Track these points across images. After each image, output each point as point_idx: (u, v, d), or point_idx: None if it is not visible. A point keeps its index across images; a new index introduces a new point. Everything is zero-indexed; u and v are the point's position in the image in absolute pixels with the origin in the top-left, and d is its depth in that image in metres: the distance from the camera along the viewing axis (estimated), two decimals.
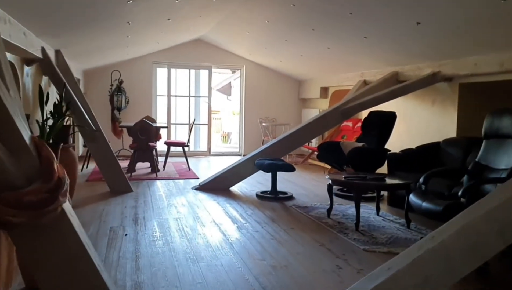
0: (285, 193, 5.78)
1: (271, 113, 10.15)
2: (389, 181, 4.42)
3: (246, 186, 6.32)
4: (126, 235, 3.92)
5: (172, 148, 9.10)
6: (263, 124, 9.55)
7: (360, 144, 5.70)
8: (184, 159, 7.92)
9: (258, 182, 6.63)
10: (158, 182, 6.57)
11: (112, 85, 9.10)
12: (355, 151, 5.53)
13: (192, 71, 9.97)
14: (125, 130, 8.11)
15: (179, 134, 10.09)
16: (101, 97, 9.23)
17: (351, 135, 8.41)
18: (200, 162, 8.97)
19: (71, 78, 5.65)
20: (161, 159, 8.16)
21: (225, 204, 5.22)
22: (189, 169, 7.76)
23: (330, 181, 4.55)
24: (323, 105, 9.27)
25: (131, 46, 7.51)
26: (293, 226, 4.32)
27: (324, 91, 9.13)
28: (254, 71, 10.04)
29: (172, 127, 9.87)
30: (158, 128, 7.61)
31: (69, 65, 6.65)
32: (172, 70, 9.74)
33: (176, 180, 6.78)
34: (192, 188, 6.11)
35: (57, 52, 5.66)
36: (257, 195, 5.70)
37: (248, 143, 10.13)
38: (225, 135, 13.60)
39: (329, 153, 6.07)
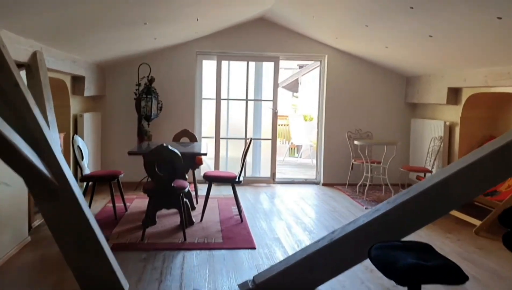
0: None
1: (364, 124, 7.00)
2: None
3: (346, 283, 3.29)
4: None
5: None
6: (355, 142, 6.42)
7: None
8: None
9: (364, 267, 3.58)
10: (183, 257, 3.72)
11: (139, 84, 6.42)
12: None
13: (252, 64, 7.05)
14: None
15: (233, 151, 7.24)
16: (124, 101, 6.60)
17: None
18: (259, 199, 6.05)
19: (8, 77, 2.89)
20: (203, 191, 5.35)
21: None
22: (242, 219, 4.87)
23: None
24: (452, 115, 5.99)
25: (152, 24, 4.72)
26: None
27: (454, 93, 5.84)
28: (341, 63, 6.93)
29: (222, 143, 7.02)
30: (193, 155, 4.77)
31: (54, 54, 4.04)
32: (224, 63, 6.89)
33: (216, 251, 3.90)
34: None
35: None
36: None
37: (329, 166, 7.06)
38: (294, 147, 10.60)
39: None
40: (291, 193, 6.48)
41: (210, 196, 4.93)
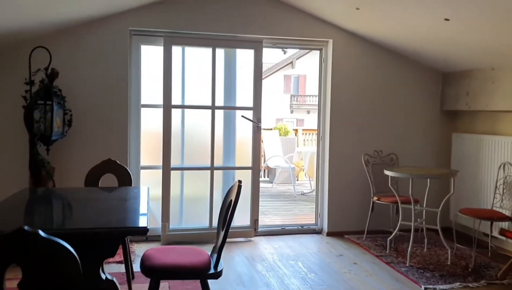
0: None
1: (385, 143, 4.75)
2: None
3: None
4: None
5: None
6: (387, 172, 4.09)
7: None
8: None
9: None
10: None
11: (31, 82, 3.78)
12: None
13: (220, 52, 4.54)
14: None
15: (191, 188, 4.68)
16: (6, 110, 3.94)
17: None
18: (240, 273, 3.55)
19: None
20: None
21: None
22: None
23: None
24: None
25: None
26: None
27: None
28: (352, 53, 4.64)
29: (174, 176, 4.47)
30: (117, 237, 2.17)
31: None
32: (176, 50, 4.36)
33: None
34: None
35: None
36: None
37: (336, 207, 4.71)
38: (267, 169, 8.22)
39: None
40: (287, 256, 4.05)
41: None
